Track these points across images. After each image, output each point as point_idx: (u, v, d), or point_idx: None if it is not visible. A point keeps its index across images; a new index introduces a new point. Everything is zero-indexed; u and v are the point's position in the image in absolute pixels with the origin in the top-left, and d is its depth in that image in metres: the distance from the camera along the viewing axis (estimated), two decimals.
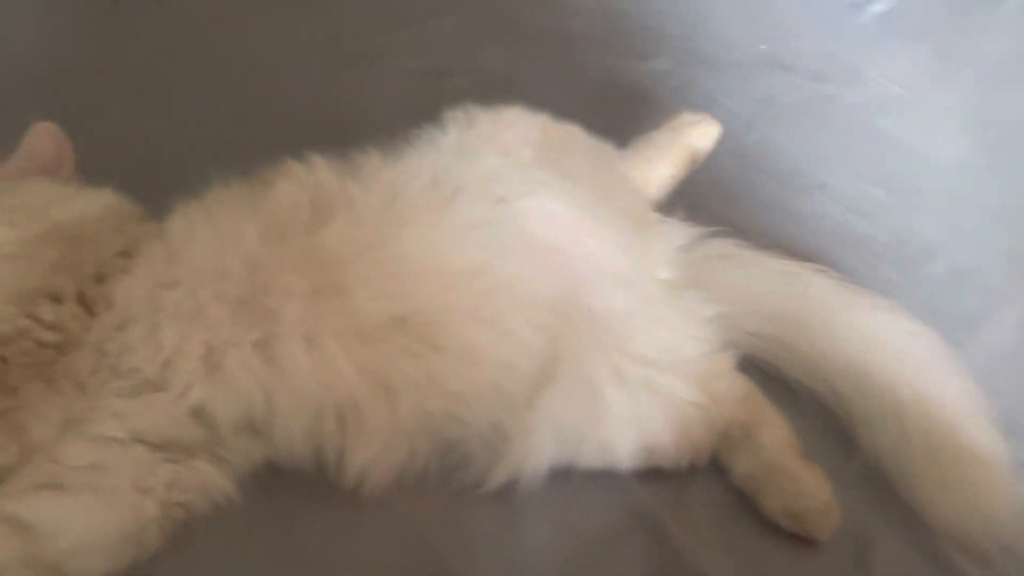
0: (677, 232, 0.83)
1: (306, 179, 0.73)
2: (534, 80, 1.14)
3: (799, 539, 0.71)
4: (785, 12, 1.31)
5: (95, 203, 0.74)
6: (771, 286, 0.81)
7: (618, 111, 1.07)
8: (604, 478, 0.73)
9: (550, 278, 0.72)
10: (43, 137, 0.78)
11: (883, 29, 1.29)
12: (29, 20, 1.18)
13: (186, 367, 0.65)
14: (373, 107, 1.05)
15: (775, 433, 0.74)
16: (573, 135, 0.84)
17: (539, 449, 0.70)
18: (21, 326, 0.64)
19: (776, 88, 1.17)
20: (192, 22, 1.18)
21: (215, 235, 0.69)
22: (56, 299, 0.66)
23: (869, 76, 1.20)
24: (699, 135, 0.93)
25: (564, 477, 0.72)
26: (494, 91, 0.85)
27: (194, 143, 0.98)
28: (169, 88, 1.08)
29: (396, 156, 0.77)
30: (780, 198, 1.02)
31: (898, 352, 0.76)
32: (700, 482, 0.75)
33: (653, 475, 0.74)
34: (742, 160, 1.05)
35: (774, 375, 0.79)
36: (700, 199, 0.94)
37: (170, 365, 0.65)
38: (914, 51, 1.25)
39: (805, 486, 0.71)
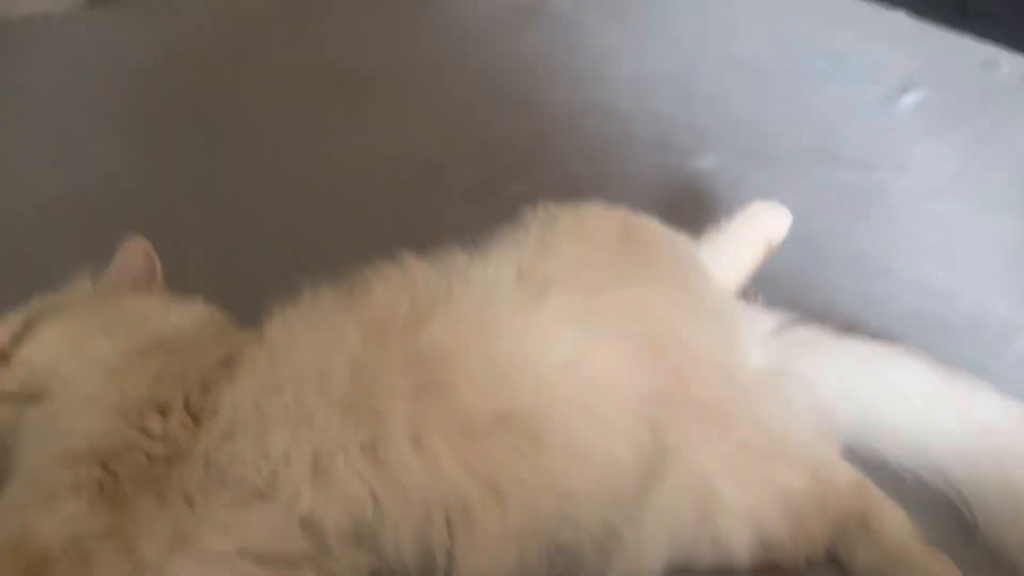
0: (762, 319, 0.83)
1: (402, 279, 0.73)
2: (588, 184, 1.16)
3: None
4: (822, 107, 1.34)
5: (189, 314, 0.75)
6: (864, 370, 0.79)
7: (674, 208, 1.08)
8: None
9: (648, 369, 0.71)
10: (134, 252, 0.79)
11: (920, 119, 1.32)
12: (113, 145, 1.22)
13: (294, 474, 0.63)
14: (442, 216, 1.08)
15: (894, 522, 0.71)
16: (652, 227, 0.84)
17: (652, 548, 0.67)
18: (130, 439, 0.63)
19: (826, 178, 1.19)
20: (267, 140, 1.24)
21: (315, 338, 0.69)
22: (163, 411, 0.65)
23: (915, 163, 1.22)
24: (772, 222, 0.93)
25: None
26: (552, 195, 0.86)
27: (273, 255, 1.00)
28: (246, 203, 1.11)
29: (482, 254, 0.77)
30: (849, 285, 1.02)
31: (1005, 432, 0.74)
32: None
33: (770, 572, 0.70)
34: (805, 248, 1.05)
35: (876, 462, 0.77)
36: (769, 287, 0.95)
37: (278, 473, 0.63)
38: (953, 137, 1.27)
39: None
